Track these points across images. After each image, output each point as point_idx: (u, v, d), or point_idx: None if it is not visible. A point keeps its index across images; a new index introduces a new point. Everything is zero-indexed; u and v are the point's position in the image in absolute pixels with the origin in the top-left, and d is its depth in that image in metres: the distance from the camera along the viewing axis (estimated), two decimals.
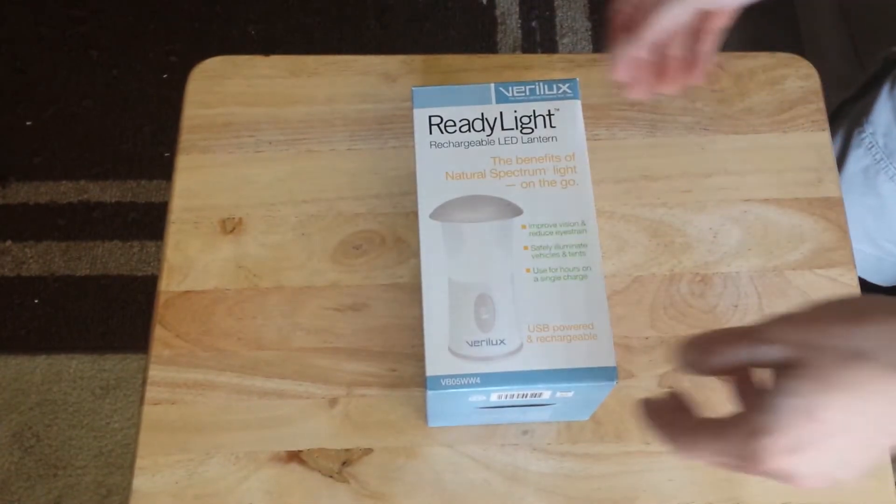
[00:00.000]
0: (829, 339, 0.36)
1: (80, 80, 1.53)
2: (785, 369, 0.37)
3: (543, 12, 1.61)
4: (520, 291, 0.46)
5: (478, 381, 0.45)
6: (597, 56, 0.66)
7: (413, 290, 0.57)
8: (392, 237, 0.59)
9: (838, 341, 0.36)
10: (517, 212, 0.48)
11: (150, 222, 1.42)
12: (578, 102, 0.52)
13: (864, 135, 0.73)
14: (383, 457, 0.53)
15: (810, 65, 0.65)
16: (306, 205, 0.60)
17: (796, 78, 0.65)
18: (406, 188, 0.61)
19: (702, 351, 0.40)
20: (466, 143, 0.50)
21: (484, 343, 0.45)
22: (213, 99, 0.64)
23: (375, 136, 0.62)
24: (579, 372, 0.45)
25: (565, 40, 1.58)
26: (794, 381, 0.36)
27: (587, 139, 0.62)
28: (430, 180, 0.49)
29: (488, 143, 0.50)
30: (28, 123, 1.50)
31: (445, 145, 0.50)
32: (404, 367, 0.55)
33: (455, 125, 0.51)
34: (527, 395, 0.46)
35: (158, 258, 0.59)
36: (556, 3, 1.62)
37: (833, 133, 0.75)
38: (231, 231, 0.59)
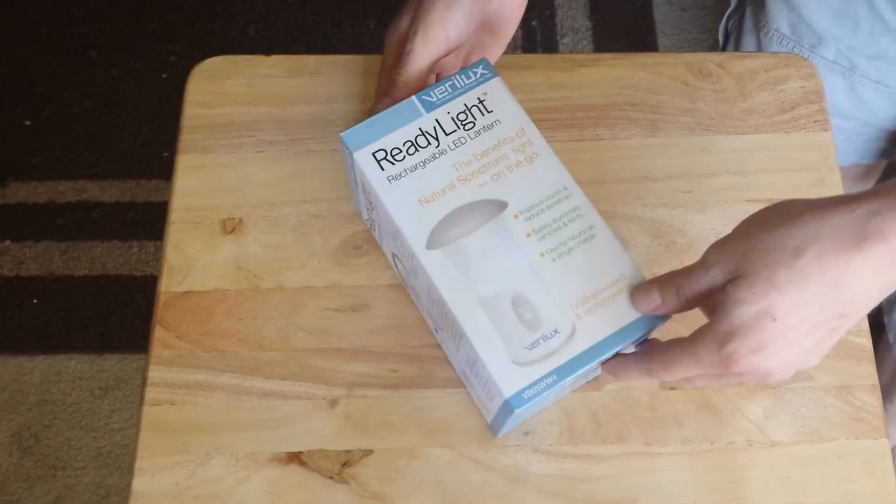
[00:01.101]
0: (763, 245, 0.40)
1: (80, 80, 1.53)
2: (733, 282, 0.40)
3: (543, 12, 1.61)
4: (545, 277, 0.46)
5: (554, 378, 0.44)
6: (598, 55, 0.65)
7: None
8: None
9: (772, 244, 0.40)
10: (503, 205, 0.48)
11: (149, 222, 1.42)
12: (499, 79, 0.51)
13: (770, 33, 0.75)
14: (384, 458, 0.53)
15: (812, 65, 0.65)
16: (306, 205, 0.60)
17: (797, 78, 0.65)
18: None
19: (667, 291, 0.44)
20: (422, 163, 0.49)
21: (541, 341, 0.45)
22: (214, 99, 0.63)
23: None
24: (637, 323, 0.45)
25: (566, 40, 1.58)
26: (743, 289, 0.40)
27: (589, 139, 0.62)
28: (407, 214, 0.48)
29: (441, 153, 0.49)
30: (27, 123, 1.50)
31: (403, 174, 0.49)
32: (405, 368, 0.55)
33: (401, 151, 0.49)
34: (597, 365, 0.47)
35: (158, 258, 0.59)
36: (556, 3, 1.62)
37: (743, 41, 0.79)
38: (231, 231, 0.59)
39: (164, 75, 1.54)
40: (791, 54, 0.67)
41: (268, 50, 0.67)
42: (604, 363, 0.47)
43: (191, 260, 0.58)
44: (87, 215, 1.42)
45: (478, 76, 0.51)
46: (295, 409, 0.54)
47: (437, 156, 0.49)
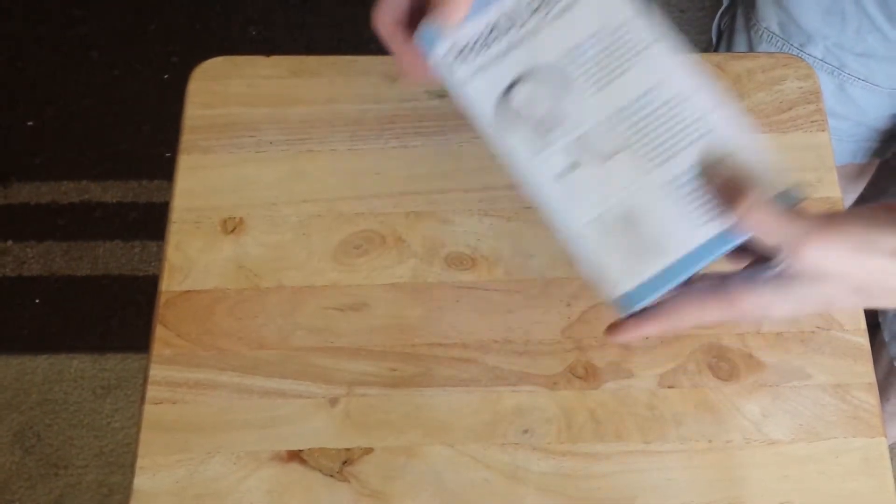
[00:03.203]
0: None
1: (80, 80, 1.53)
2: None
3: None
4: None
5: None
6: None
7: (413, 290, 0.58)
8: (392, 237, 0.59)
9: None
10: None
11: (150, 222, 1.42)
12: None
13: (760, 31, 0.76)
14: (384, 456, 0.53)
15: (809, 65, 0.65)
16: (307, 205, 0.60)
17: (795, 78, 0.65)
18: (406, 188, 0.61)
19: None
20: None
21: None
22: (214, 99, 0.64)
23: (376, 137, 0.62)
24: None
25: None
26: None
27: None
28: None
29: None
30: (29, 123, 1.50)
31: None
32: (404, 367, 0.56)
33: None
34: None
35: (159, 258, 0.59)
36: None
37: (735, 40, 0.79)
38: (232, 231, 0.60)
39: (165, 76, 1.54)
40: (789, 55, 0.67)
41: (268, 50, 0.67)
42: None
43: (191, 259, 0.58)
44: (89, 215, 1.43)
45: None
46: (295, 407, 0.55)
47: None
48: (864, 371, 0.56)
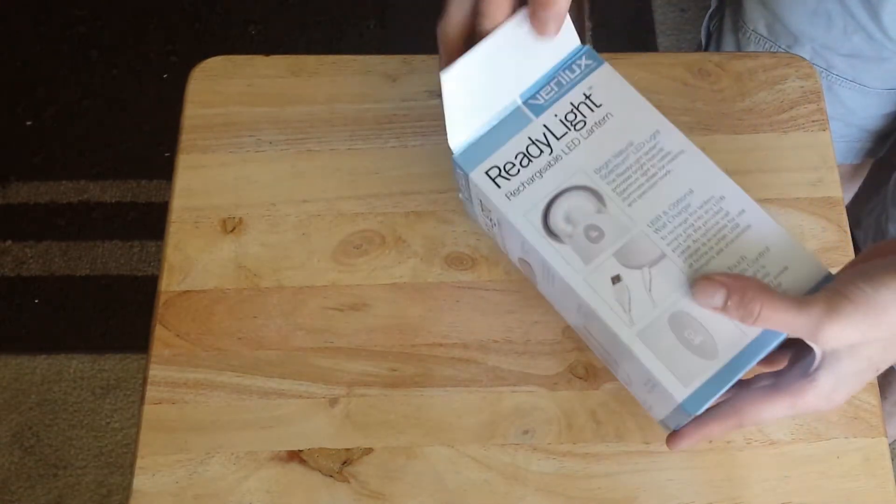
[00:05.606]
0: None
1: (80, 80, 1.53)
2: (854, 349, 0.41)
3: None
4: None
5: None
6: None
7: (413, 290, 0.57)
8: (392, 237, 0.59)
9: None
10: None
11: (150, 222, 1.42)
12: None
13: (748, 33, 0.76)
14: (384, 456, 0.53)
15: (811, 65, 0.65)
16: (306, 204, 0.60)
17: (796, 78, 0.65)
18: (406, 188, 0.61)
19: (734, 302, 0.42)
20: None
21: None
22: (214, 99, 0.64)
23: (376, 136, 0.62)
24: None
25: None
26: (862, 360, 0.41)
27: None
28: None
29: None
30: (28, 123, 1.50)
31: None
32: (404, 367, 0.55)
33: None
34: None
35: (158, 258, 0.59)
36: None
37: (724, 42, 0.80)
38: (231, 231, 0.59)
39: (165, 75, 1.54)
40: (791, 54, 0.67)
41: (268, 50, 0.67)
42: (676, 436, 0.47)
43: (191, 259, 0.58)
44: (88, 215, 1.43)
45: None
46: (295, 407, 0.54)
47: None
48: None
